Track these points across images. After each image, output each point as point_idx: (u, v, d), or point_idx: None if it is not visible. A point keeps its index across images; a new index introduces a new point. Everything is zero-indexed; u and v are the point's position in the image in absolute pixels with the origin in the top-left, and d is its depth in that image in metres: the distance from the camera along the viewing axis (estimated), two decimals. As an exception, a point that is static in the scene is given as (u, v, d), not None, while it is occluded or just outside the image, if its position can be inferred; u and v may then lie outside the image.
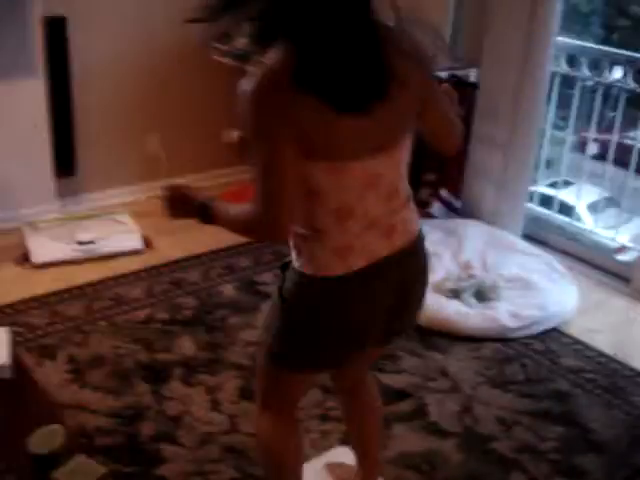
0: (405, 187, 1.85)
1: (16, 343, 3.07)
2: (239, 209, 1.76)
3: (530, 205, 4.25)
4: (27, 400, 2.13)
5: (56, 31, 3.92)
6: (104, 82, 4.22)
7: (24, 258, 3.75)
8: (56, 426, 1.96)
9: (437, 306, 3.32)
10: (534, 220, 4.21)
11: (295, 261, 1.82)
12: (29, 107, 3.97)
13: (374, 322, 1.87)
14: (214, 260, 3.90)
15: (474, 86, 3.96)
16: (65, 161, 4.20)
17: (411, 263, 1.89)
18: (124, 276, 3.70)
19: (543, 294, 3.47)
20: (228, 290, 3.63)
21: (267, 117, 1.61)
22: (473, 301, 3.40)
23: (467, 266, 3.67)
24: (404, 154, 1.79)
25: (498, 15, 3.81)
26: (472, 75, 3.93)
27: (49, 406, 2.17)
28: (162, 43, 4.32)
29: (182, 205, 1.90)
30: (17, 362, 2.26)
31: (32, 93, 3.96)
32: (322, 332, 1.83)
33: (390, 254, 1.80)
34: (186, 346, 3.18)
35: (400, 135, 1.75)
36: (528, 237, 4.05)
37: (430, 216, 4.15)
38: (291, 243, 1.83)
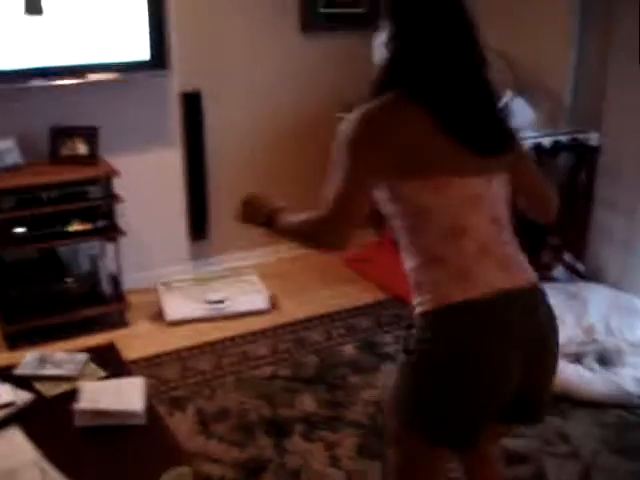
0: (510, 227, 1.87)
1: (149, 394, 3.30)
2: (303, 216, 1.86)
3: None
4: (159, 445, 2.27)
5: (192, 104, 4.24)
6: (235, 151, 4.50)
7: (159, 315, 4.00)
8: (185, 469, 2.08)
9: (559, 370, 3.26)
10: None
11: (417, 305, 1.82)
12: (167, 174, 4.29)
13: (506, 369, 1.77)
14: (336, 320, 4.01)
15: (595, 150, 3.95)
16: (199, 225, 4.48)
17: (541, 311, 1.83)
18: (251, 334, 3.86)
19: (671, 360, 3.36)
20: (349, 350, 3.72)
21: (358, 147, 1.76)
22: (596, 366, 3.33)
23: (590, 330, 3.60)
24: (502, 187, 1.85)
25: (619, 77, 3.81)
26: (593, 139, 3.92)
27: (179, 452, 2.30)
28: (290, 115, 4.56)
29: (253, 211, 2.03)
30: (150, 409, 2.41)
31: (170, 161, 4.28)
32: (452, 380, 1.75)
33: (512, 289, 1.77)
34: (307, 403, 3.28)
35: (499, 169, 1.83)
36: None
37: (553, 280, 4.11)
38: (412, 286, 1.85)
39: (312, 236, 1.85)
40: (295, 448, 2.99)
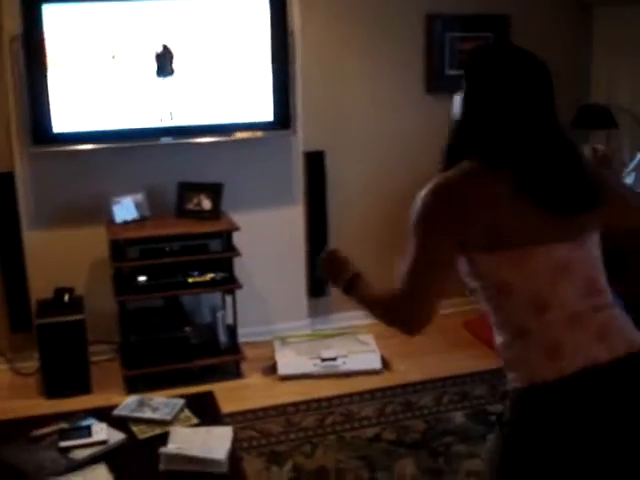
0: (606, 285, 1.75)
1: (250, 447, 3.32)
2: (382, 290, 1.82)
3: None
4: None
5: (316, 163, 4.33)
6: (358, 210, 4.54)
7: (272, 369, 4.04)
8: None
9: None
10: None
11: (509, 381, 1.74)
12: (289, 231, 4.39)
13: (601, 457, 1.66)
14: (448, 386, 3.89)
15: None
16: (319, 282, 4.50)
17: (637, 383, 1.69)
18: (359, 394, 3.82)
19: None
20: (458, 417, 3.59)
21: (433, 221, 1.72)
22: None
23: None
24: (594, 246, 1.74)
25: None
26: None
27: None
28: (414, 175, 4.52)
29: (335, 270, 1.99)
30: (234, 460, 2.42)
31: (292, 218, 4.38)
32: (537, 467, 1.66)
33: (614, 359, 1.65)
34: (408, 468, 3.18)
35: (589, 227, 1.72)
36: None
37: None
38: (503, 361, 1.77)
39: (386, 313, 1.82)
40: (389, 513, 2.90)
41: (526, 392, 1.68)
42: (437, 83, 4.50)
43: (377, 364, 4.06)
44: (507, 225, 1.66)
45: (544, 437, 1.65)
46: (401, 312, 1.75)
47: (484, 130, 1.73)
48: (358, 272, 1.95)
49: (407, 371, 4.04)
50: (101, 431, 2.55)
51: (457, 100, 1.80)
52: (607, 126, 4.26)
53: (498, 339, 1.77)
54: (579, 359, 1.64)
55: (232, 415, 3.45)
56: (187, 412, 2.72)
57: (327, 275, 2.03)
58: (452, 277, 1.75)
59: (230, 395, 3.67)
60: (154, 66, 3.82)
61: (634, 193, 1.89)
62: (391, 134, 4.51)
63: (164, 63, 3.82)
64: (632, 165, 3.86)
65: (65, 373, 3.82)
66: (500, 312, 1.73)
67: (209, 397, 2.88)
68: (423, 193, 1.76)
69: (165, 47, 3.81)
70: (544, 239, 1.66)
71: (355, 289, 1.91)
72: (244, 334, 4.10)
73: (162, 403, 2.77)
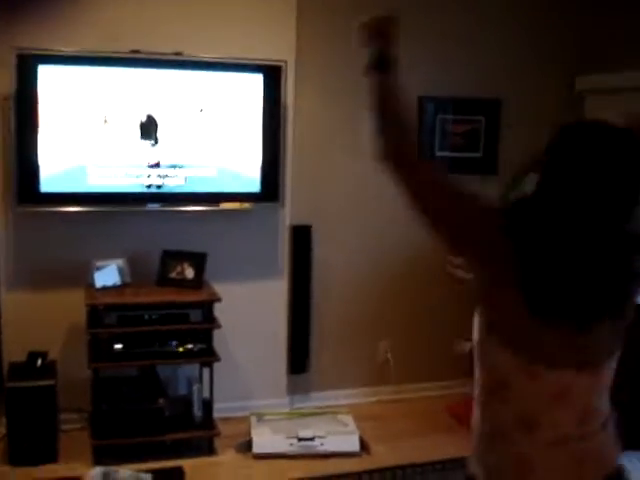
0: (604, 408, 1.68)
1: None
2: (403, 110, 1.66)
3: None
4: None
5: (302, 238, 4.30)
6: (341, 286, 4.48)
7: (246, 446, 3.90)
8: None
9: None
10: None
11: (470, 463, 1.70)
12: (271, 305, 4.32)
13: None
14: (429, 472, 3.76)
15: None
16: (299, 359, 4.42)
17: None
18: (337, 477, 3.68)
19: None
20: (437, 504, 3.46)
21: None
22: None
23: None
24: (607, 376, 1.65)
25: None
26: None
27: None
28: (396, 256, 4.53)
29: (381, 33, 1.67)
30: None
31: (275, 292, 4.32)
32: None
33: None
34: None
35: (608, 354, 1.63)
36: None
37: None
38: (474, 443, 1.71)
39: (387, 126, 1.68)
40: None
41: None
42: (427, 164, 4.50)
43: (355, 446, 3.94)
44: (513, 321, 1.57)
45: None
46: (399, 143, 1.67)
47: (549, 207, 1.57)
48: (395, 58, 1.68)
49: (386, 455, 3.91)
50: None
51: (532, 178, 1.65)
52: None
53: (476, 423, 1.70)
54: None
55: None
56: (154, 488, 2.62)
57: (369, 33, 1.68)
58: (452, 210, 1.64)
59: (202, 472, 3.54)
60: (139, 133, 3.82)
61: None
62: (377, 209, 4.48)
63: (148, 131, 3.81)
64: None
65: (33, 440, 3.66)
66: (491, 405, 1.66)
67: (178, 473, 2.78)
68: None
69: (149, 116, 3.81)
70: (558, 363, 1.56)
71: (386, 73, 1.67)
72: (220, 409, 3.97)
73: (129, 477, 2.66)
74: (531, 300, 1.52)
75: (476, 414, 1.71)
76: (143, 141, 3.82)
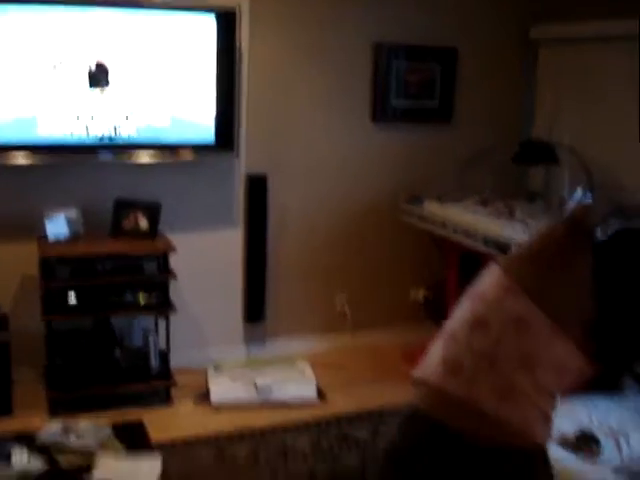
0: None
1: (179, 478, 3.20)
2: None
3: None
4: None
5: (257, 187, 4.25)
6: (297, 236, 4.47)
7: (205, 396, 3.91)
8: None
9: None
10: None
11: None
12: (227, 254, 4.30)
13: None
14: (385, 417, 3.82)
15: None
16: (255, 308, 4.42)
17: None
18: (294, 425, 3.72)
19: None
20: (394, 449, 3.52)
21: None
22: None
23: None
24: None
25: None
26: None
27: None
28: (354, 203, 4.52)
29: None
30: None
31: (231, 242, 4.30)
32: None
33: None
34: (342, 502, 3.10)
35: None
36: None
37: (621, 392, 3.84)
38: None
39: None
40: None
41: None
42: (383, 112, 4.49)
43: (313, 394, 3.98)
44: None
45: None
46: None
47: None
48: None
49: (342, 402, 3.96)
50: (22, 459, 2.41)
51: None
52: (548, 162, 4.31)
53: None
54: None
55: (160, 444, 3.29)
56: (114, 440, 2.61)
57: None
58: None
59: (159, 423, 3.54)
60: (94, 79, 3.69)
61: None
62: (335, 161, 4.47)
63: (98, 80, 3.70)
64: (571, 202, 3.90)
65: (-14, 394, 3.63)
66: None
67: (138, 425, 2.77)
68: None
69: (98, 64, 3.69)
70: None
71: None
72: (177, 359, 3.96)
73: (88, 430, 2.65)
74: None
75: None
76: (93, 90, 3.71)
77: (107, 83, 3.72)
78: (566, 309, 1.67)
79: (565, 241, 1.73)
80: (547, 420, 1.71)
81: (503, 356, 1.68)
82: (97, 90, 3.71)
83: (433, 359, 1.80)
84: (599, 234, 1.76)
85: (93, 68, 3.68)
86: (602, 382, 1.95)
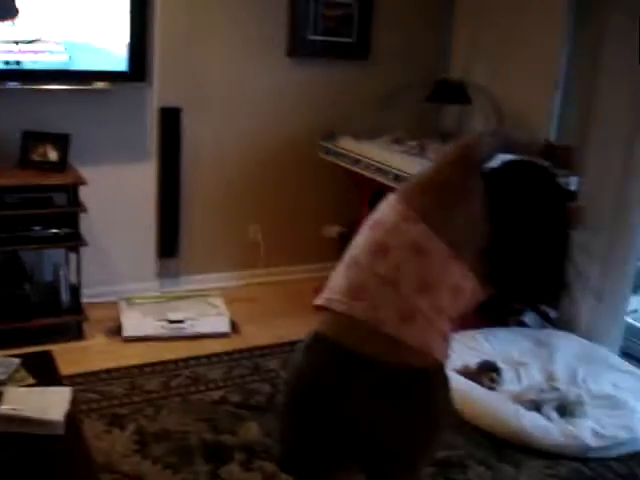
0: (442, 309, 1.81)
1: (91, 410, 3.20)
2: None
3: (631, 321, 4.03)
4: (74, 457, 2.18)
5: (171, 120, 4.19)
6: (212, 171, 4.43)
7: (117, 331, 3.90)
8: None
9: (514, 416, 3.16)
10: (636, 336, 3.98)
11: None
12: (140, 188, 4.24)
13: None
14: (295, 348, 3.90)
15: (574, 194, 3.88)
16: (169, 243, 4.40)
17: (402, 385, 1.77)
18: (206, 357, 3.76)
19: (633, 415, 3.24)
20: (305, 380, 3.61)
21: None
22: (554, 415, 3.21)
23: (552, 378, 3.50)
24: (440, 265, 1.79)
25: (603, 123, 3.76)
26: (572, 182, 3.83)
27: (92, 465, 2.21)
28: (269, 138, 4.51)
29: None
30: (72, 421, 2.31)
31: (144, 176, 4.24)
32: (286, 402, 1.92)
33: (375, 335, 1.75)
34: (252, 431, 3.16)
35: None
36: (627, 355, 3.84)
37: (523, 325, 4.02)
38: None
39: None
40: (231, 477, 2.86)
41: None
42: (299, 47, 4.45)
43: (226, 327, 4.02)
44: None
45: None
46: None
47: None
48: None
49: (256, 335, 4.02)
50: None
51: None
52: (461, 102, 4.38)
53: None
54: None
55: (72, 377, 3.30)
56: (23, 372, 2.57)
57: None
58: None
59: (71, 357, 3.51)
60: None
61: None
62: (250, 95, 4.42)
63: (4, 4, 3.55)
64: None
65: None
66: None
67: (47, 357, 2.74)
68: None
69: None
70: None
71: None
72: (88, 294, 3.93)
73: (-4, 362, 2.61)
74: None
75: None
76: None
77: (14, 7, 3.57)
78: (460, 234, 1.75)
79: (456, 168, 1.80)
80: (445, 340, 1.79)
81: (403, 280, 1.74)
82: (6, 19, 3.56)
83: (337, 286, 1.85)
84: (488, 163, 1.85)
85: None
86: (493, 312, 2.05)
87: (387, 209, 1.85)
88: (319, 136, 4.45)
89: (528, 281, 1.84)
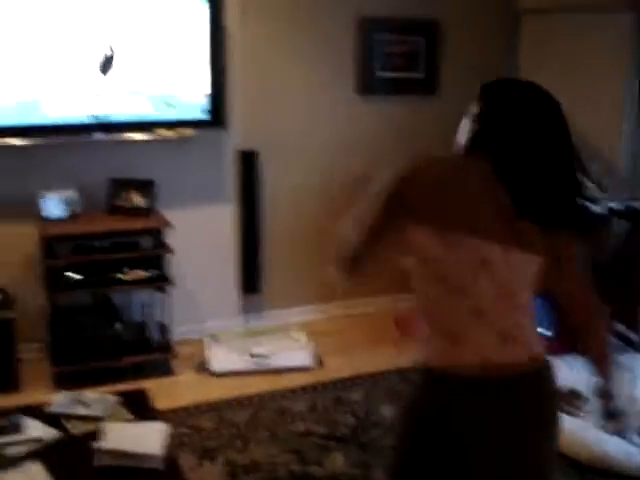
0: (529, 304, 1.82)
1: (183, 443, 3.34)
2: (347, 229, 1.87)
3: None
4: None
5: (249, 162, 4.36)
6: (289, 208, 4.59)
7: (204, 366, 4.05)
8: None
9: (598, 441, 3.16)
10: None
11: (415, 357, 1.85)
12: (221, 229, 4.42)
13: (476, 456, 1.74)
14: (379, 382, 3.97)
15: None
16: (251, 279, 4.55)
17: (533, 395, 1.77)
18: (291, 390, 3.87)
19: None
20: (387, 412, 3.67)
21: (395, 194, 1.77)
22: (638, 440, 3.19)
23: (635, 403, 3.47)
24: (528, 269, 1.78)
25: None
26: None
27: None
28: (342, 174, 4.62)
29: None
30: (169, 455, 2.44)
31: (224, 216, 4.42)
32: (416, 440, 1.78)
33: (504, 365, 1.73)
34: (338, 462, 3.25)
35: (534, 249, 1.77)
36: None
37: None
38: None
39: (338, 252, 1.89)
40: (320, 506, 2.96)
41: (421, 371, 1.80)
42: (368, 85, 4.59)
43: (308, 361, 4.12)
44: (455, 209, 1.74)
45: (417, 418, 1.79)
46: (348, 253, 1.85)
47: (492, 136, 1.80)
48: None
49: (338, 368, 4.11)
50: (35, 428, 2.54)
51: (469, 118, 1.86)
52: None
53: (418, 313, 1.86)
54: (473, 352, 1.74)
55: (164, 412, 3.43)
56: (121, 409, 2.72)
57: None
58: (394, 241, 1.83)
59: (162, 392, 3.66)
60: (93, 61, 3.79)
61: (583, 275, 1.89)
62: (323, 135, 4.58)
63: (107, 62, 3.80)
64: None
65: (-7, 370, 3.75)
66: (421, 286, 1.82)
67: (142, 394, 2.89)
68: (401, 165, 1.81)
69: (106, 47, 3.79)
70: (477, 234, 1.73)
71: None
72: (176, 332, 4.11)
73: (95, 400, 2.76)
74: (497, 164, 1.74)
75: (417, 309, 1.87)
76: (98, 72, 3.82)
77: (111, 66, 3.82)
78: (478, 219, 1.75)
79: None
80: (536, 330, 1.84)
81: (484, 299, 1.76)
82: (102, 73, 3.81)
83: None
84: None
85: (101, 52, 3.80)
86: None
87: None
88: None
89: (542, 191, 1.76)
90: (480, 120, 1.83)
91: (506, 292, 1.77)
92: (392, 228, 1.81)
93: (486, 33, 4.84)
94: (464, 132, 1.87)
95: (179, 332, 4.15)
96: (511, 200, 1.72)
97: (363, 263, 1.85)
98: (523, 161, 1.75)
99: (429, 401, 1.78)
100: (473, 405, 1.73)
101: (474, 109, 1.86)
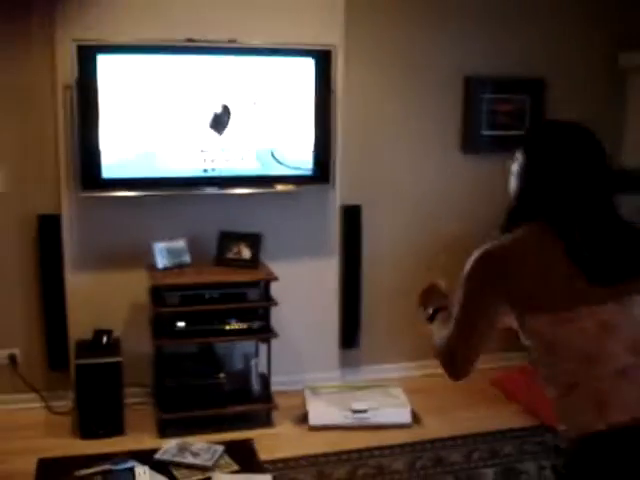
0: None
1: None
2: (443, 332, 1.93)
3: None
4: None
5: (352, 217, 4.43)
6: (391, 263, 4.62)
7: (303, 419, 4.08)
8: None
9: None
10: None
11: (562, 432, 1.83)
12: (324, 282, 4.48)
13: None
14: (478, 442, 3.90)
15: None
16: (350, 334, 4.58)
17: None
18: (389, 447, 3.84)
19: None
20: (488, 475, 3.60)
21: (478, 284, 1.86)
22: None
23: None
24: (637, 307, 1.78)
25: None
26: None
27: None
28: (444, 232, 4.63)
29: (427, 300, 2.18)
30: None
31: (327, 270, 4.47)
32: None
33: None
34: (439, 524, 3.20)
35: (632, 291, 1.78)
36: None
37: None
38: (555, 413, 1.85)
39: (438, 354, 1.95)
40: None
41: (578, 442, 1.76)
42: (473, 143, 4.61)
43: (407, 418, 4.09)
44: (553, 287, 1.76)
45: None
46: (450, 355, 1.90)
47: (545, 199, 1.84)
48: (444, 306, 2.11)
49: (436, 426, 4.06)
50: (144, 474, 2.61)
51: (515, 169, 1.89)
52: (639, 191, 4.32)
53: (549, 392, 1.84)
54: (624, 411, 1.71)
55: (264, 463, 3.48)
56: (227, 458, 2.78)
57: (421, 302, 2.22)
58: (492, 333, 1.87)
59: (261, 443, 3.70)
60: (204, 118, 3.96)
61: None
62: (426, 192, 4.61)
63: (222, 120, 3.97)
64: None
65: (99, 414, 3.87)
66: (550, 368, 1.81)
67: (248, 444, 2.94)
68: (473, 257, 1.88)
69: (225, 107, 3.96)
70: (588, 301, 1.74)
71: (434, 321, 2.09)
72: (276, 382, 4.15)
73: (202, 449, 2.83)
74: (568, 247, 1.76)
75: (545, 387, 1.86)
76: (213, 131, 3.98)
77: (226, 127, 3.98)
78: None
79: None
80: None
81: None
82: (217, 132, 3.98)
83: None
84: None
85: (219, 111, 3.96)
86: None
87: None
88: (494, 230, 4.52)
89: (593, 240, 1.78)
90: (527, 176, 1.87)
91: (635, 345, 1.75)
92: (492, 325, 1.86)
93: (591, 90, 4.80)
94: (512, 189, 1.93)
95: (278, 383, 4.19)
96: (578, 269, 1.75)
97: (471, 362, 1.89)
98: (589, 233, 1.77)
99: (594, 468, 1.75)
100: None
101: (519, 160, 1.90)
